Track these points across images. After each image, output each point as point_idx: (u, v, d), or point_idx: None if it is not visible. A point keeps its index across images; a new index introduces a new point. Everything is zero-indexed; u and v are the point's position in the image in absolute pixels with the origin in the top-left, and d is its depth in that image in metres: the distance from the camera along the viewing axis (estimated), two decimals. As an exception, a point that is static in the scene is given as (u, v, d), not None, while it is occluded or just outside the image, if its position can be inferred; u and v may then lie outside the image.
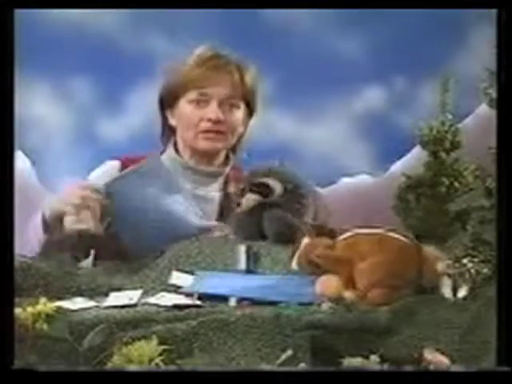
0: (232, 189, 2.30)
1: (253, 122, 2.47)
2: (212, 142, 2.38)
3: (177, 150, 2.43)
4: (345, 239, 1.80)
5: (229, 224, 2.18)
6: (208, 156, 2.41)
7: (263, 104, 2.48)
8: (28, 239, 2.22)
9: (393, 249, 1.75)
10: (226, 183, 2.41)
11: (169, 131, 2.46)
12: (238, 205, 2.08)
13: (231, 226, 2.15)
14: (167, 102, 2.42)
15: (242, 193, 2.09)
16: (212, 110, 2.35)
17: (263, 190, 2.08)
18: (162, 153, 2.44)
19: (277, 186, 2.08)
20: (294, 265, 1.84)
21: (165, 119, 2.45)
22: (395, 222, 2.02)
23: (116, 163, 2.44)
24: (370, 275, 1.73)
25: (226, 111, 2.37)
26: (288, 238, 1.98)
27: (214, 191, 2.39)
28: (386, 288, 1.72)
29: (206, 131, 2.36)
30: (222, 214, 2.35)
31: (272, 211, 2.08)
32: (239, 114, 2.40)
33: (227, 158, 2.46)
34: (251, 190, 2.07)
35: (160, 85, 2.44)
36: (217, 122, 2.35)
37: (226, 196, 2.38)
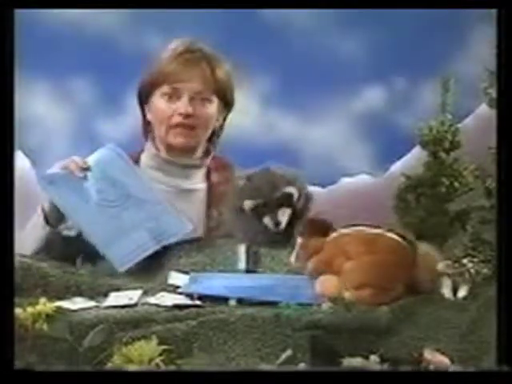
0: (216, 178, 2.33)
1: (231, 115, 2.47)
2: (183, 137, 2.37)
3: (156, 146, 2.43)
4: (331, 240, 1.79)
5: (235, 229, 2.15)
6: (183, 151, 2.40)
7: (261, 101, 2.48)
8: (26, 238, 2.23)
9: (383, 249, 1.74)
10: (209, 173, 2.41)
11: (148, 126, 2.46)
12: (277, 225, 2.05)
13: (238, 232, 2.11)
14: (144, 96, 2.43)
15: (270, 208, 2.06)
16: (183, 105, 2.35)
17: (288, 200, 2.08)
18: (142, 151, 2.44)
19: (295, 192, 2.08)
20: (293, 263, 1.83)
21: (143, 115, 2.45)
22: (395, 222, 2.02)
23: None
24: (355, 275, 1.72)
25: (198, 105, 2.37)
26: None
27: (198, 183, 2.39)
28: (372, 288, 1.71)
29: (177, 126, 2.36)
30: (210, 205, 2.36)
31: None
32: (212, 108, 2.40)
33: (207, 151, 2.45)
34: (282, 205, 2.06)
35: (139, 79, 2.45)
36: (187, 116, 2.35)
37: (211, 186, 2.38)
